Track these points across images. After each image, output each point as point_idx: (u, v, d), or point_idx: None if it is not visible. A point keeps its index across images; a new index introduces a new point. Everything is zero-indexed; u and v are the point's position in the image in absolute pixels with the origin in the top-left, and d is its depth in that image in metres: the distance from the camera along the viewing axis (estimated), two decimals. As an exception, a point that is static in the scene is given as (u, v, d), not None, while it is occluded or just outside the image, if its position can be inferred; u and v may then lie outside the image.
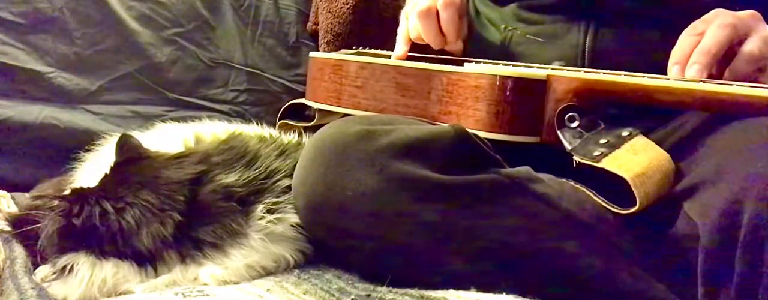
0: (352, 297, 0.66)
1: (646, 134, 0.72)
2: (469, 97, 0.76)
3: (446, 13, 0.84)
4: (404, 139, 0.70)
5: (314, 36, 1.34)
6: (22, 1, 1.13)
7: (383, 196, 0.68)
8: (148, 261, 0.70)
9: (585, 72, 0.76)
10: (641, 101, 0.72)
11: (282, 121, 1.02)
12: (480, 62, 0.84)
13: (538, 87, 0.75)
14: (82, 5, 1.17)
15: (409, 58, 0.88)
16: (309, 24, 1.35)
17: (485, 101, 0.75)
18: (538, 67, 0.80)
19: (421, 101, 0.81)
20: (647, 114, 0.81)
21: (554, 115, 0.73)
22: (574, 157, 0.70)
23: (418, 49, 0.91)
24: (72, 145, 0.95)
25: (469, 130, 0.73)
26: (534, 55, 0.88)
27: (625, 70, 0.74)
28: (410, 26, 0.89)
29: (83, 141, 0.95)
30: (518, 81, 0.74)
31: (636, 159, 0.68)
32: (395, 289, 0.67)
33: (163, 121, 1.11)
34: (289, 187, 0.76)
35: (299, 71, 1.32)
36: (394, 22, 0.97)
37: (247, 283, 0.72)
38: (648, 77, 0.70)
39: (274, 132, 0.93)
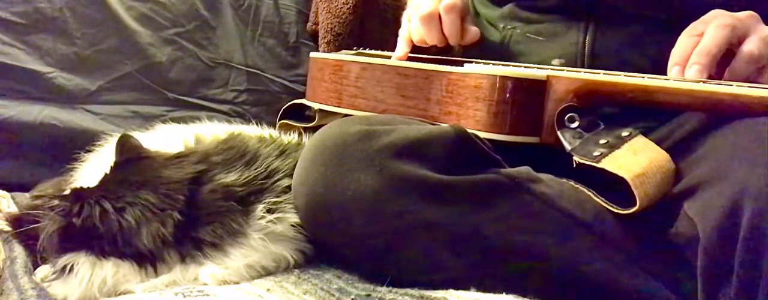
0: (352, 297, 0.66)
1: (646, 134, 0.72)
2: (470, 97, 0.76)
3: (448, 17, 0.85)
4: (404, 139, 0.70)
5: (314, 36, 1.34)
6: (22, 1, 1.13)
7: (383, 196, 0.68)
8: (148, 261, 0.70)
9: (585, 72, 0.76)
10: (641, 101, 0.72)
11: (282, 121, 1.02)
12: (480, 62, 0.84)
13: (538, 87, 0.75)
14: (82, 5, 1.17)
15: (409, 59, 0.88)
16: (309, 24, 1.35)
17: (485, 102, 0.75)
18: (538, 68, 0.80)
19: (421, 102, 0.81)
20: (647, 114, 0.81)
21: (554, 116, 0.73)
22: (574, 158, 0.70)
23: (419, 51, 0.91)
24: (72, 145, 0.95)
25: (469, 131, 0.73)
26: (533, 53, 0.89)
27: (625, 69, 0.74)
28: (412, 29, 0.89)
29: (83, 141, 0.95)
30: (518, 81, 0.74)
31: (636, 159, 0.68)
32: (395, 289, 0.67)
33: (163, 122, 1.11)
34: (289, 187, 0.76)
35: (299, 71, 1.32)
36: (395, 23, 0.97)
37: (247, 283, 0.72)
38: (648, 77, 0.71)
39: (274, 132, 0.93)
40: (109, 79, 1.19)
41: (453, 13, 0.85)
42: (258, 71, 1.30)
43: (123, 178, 0.74)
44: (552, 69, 0.79)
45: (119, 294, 0.71)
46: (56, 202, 0.72)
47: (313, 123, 0.96)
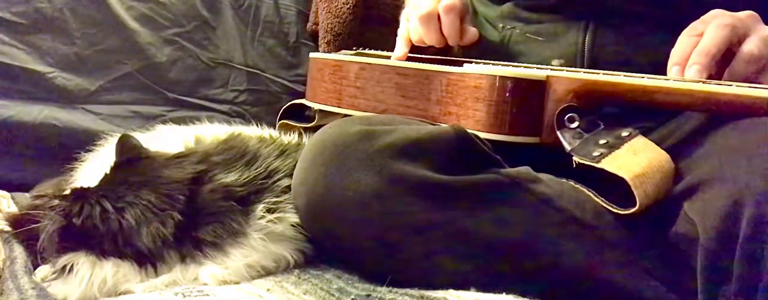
0: (352, 297, 0.66)
1: (646, 134, 0.72)
2: (469, 97, 0.76)
3: (447, 18, 0.85)
4: (404, 139, 0.70)
5: (314, 36, 1.34)
6: (22, 1, 1.13)
7: (383, 196, 0.68)
8: (148, 260, 0.70)
9: (585, 72, 0.76)
10: (641, 102, 0.72)
11: (282, 121, 1.02)
12: (480, 63, 0.84)
13: (538, 88, 0.75)
14: (82, 5, 1.17)
15: (409, 59, 0.88)
16: (309, 24, 1.35)
17: (485, 102, 0.75)
18: (537, 68, 0.80)
19: (421, 102, 0.81)
20: (647, 114, 0.81)
21: (554, 116, 0.73)
22: (574, 158, 0.70)
23: (418, 50, 0.91)
24: (72, 145, 0.95)
25: (469, 131, 0.73)
26: (533, 53, 0.88)
27: (625, 70, 0.74)
28: (411, 28, 0.89)
29: (83, 141, 0.95)
30: (518, 82, 0.74)
31: (636, 159, 0.68)
32: (395, 289, 0.67)
33: (163, 122, 1.11)
34: (289, 187, 0.76)
35: (299, 71, 1.32)
36: (394, 23, 0.97)
37: (247, 283, 0.72)
38: (648, 77, 0.71)
39: (274, 132, 0.93)
40: (109, 79, 1.19)
41: (452, 14, 0.85)
42: (258, 71, 1.30)
43: (123, 178, 0.74)
44: (551, 69, 0.79)
45: (119, 294, 0.71)
46: (56, 202, 0.72)
47: (313, 123, 0.96)
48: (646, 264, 0.70)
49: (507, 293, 0.67)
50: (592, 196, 0.72)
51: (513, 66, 0.81)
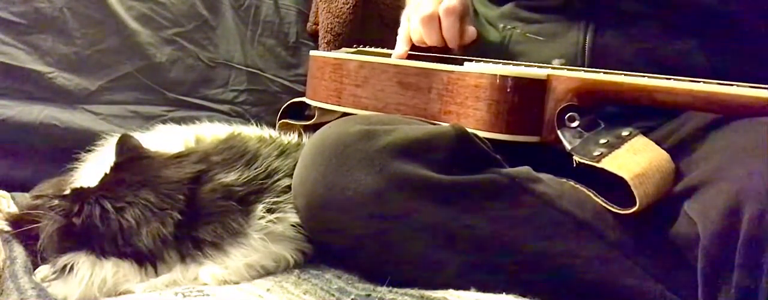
0: (352, 297, 0.66)
1: (646, 134, 0.72)
2: (469, 96, 0.76)
3: (447, 20, 0.85)
4: (404, 138, 0.70)
5: (314, 36, 1.34)
6: (22, 1, 1.13)
7: (383, 196, 0.68)
8: (148, 260, 0.70)
9: (585, 72, 0.76)
10: (641, 101, 0.72)
11: (282, 120, 1.02)
12: (480, 61, 0.84)
13: (538, 87, 0.75)
14: (82, 5, 1.17)
15: (409, 57, 0.88)
16: (309, 24, 1.35)
17: (485, 101, 0.75)
18: (538, 67, 0.80)
19: (421, 100, 0.81)
20: (647, 114, 0.81)
21: (554, 115, 0.73)
22: (574, 157, 0.70)
23: (418, 49, 0.91)
24: (72, 145, 0.95)
25: (469, 130, 0.73)
26: (534, 53, 0.88)
27: (626, 69, 0.74)
28: (412, 29, 0.89)
29: (83, 141, 0.95)
30: (518, 80, 0.74)
31: (636, 159, 0.68)
32: (395, 289, 0.67)
33: (163, 122, 1.11)
34: (289, 187, 0.76)
35: (299, 71, 1.32)
36: (395, 22, 0.97)
37: (247, 283, 0.72)
38: (648, 77, 0.71)
39: (274, 133, 0.93)
40: (109, 79, 1.19)
41: (452, 17, 0.85)
42: (258, 71, 1.30)
43: (123, 177, 0.74)
44: (552, 68, 0.79)
45: (119, 294, 0.71)
46: (56, 202, 0.72)
47: (313, 121, 0.96)
48: (646, 264, 0.70)
49: (507, 293, 0.67)
50: (592, 196, 0.72)
51: (513, 65, 0.81)
